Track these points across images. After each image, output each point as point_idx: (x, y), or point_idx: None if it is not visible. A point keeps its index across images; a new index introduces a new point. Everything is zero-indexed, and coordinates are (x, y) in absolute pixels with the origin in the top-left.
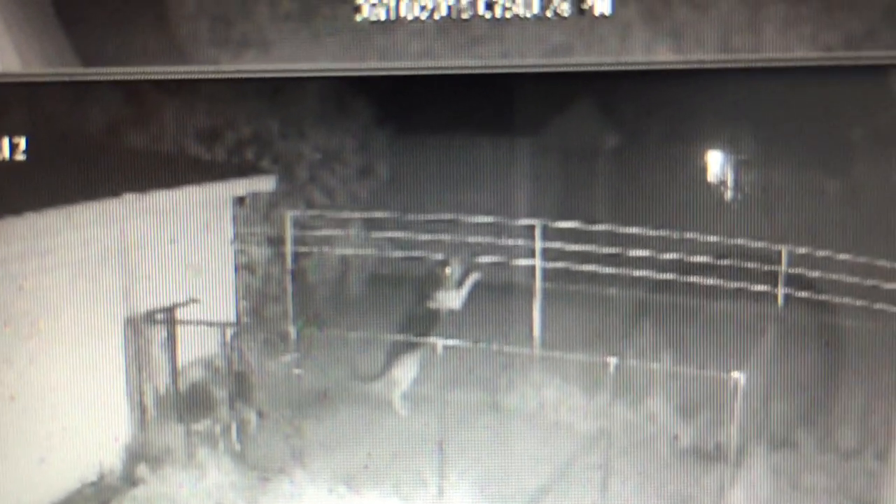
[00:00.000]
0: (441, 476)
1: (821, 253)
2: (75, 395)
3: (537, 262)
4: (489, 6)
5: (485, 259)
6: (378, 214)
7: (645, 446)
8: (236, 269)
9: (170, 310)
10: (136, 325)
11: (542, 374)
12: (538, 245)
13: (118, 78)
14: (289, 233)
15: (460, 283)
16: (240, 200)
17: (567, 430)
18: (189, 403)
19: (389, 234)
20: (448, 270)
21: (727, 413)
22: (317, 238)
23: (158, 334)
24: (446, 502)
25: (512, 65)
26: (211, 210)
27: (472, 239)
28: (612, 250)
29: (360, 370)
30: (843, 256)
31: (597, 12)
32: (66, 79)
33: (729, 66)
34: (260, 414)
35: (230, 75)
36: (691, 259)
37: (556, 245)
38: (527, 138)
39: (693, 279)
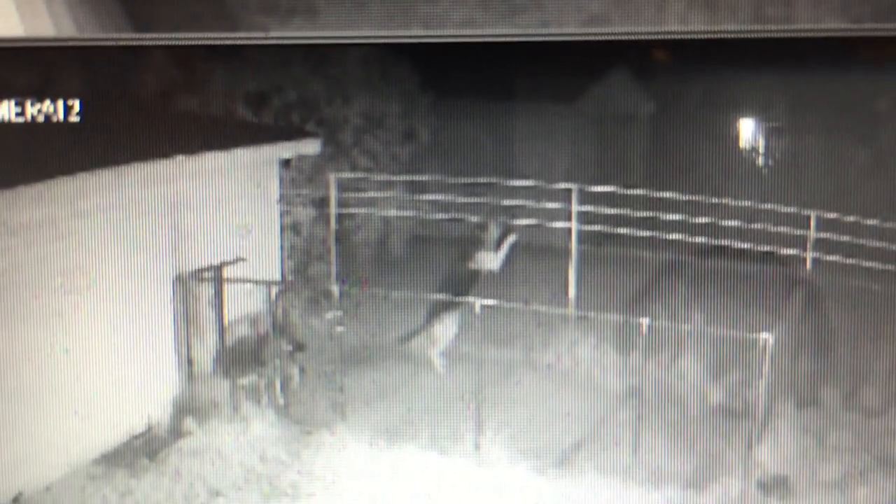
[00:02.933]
0: (477, 431)
1: (849, 218)
2: (125, 350)
3: (573, 225)
4: None
5: (523, 222)
6: (419, 177)
7: (675, 404)
8: (282, 230)
9: (217, 268)
10: (185, 283)
11: (576, 334)
12: (574, 208)
13: (169, 43)
14: (333, 194)
15: (499, 245)
16: (286, 163)
17: (600, 388)
18: (235, 359)
19: (430, 196)
20: (487, 232)
21: (756, 372)
22: (360, 200)
23: (206, 292)
24: (482, 456)
25: (551, 33)
26: (258, 172)
27: (510, 202)
28: (646, 214)
29: (402, 334)
30: (870, 222)
31: None
32: (120, 44)
33: (761, 36)
34: (303, 370)
35: (278, 41)
36: (723, 223)
37: (592, 209)
38: (565, 105)
39: (724, 242)
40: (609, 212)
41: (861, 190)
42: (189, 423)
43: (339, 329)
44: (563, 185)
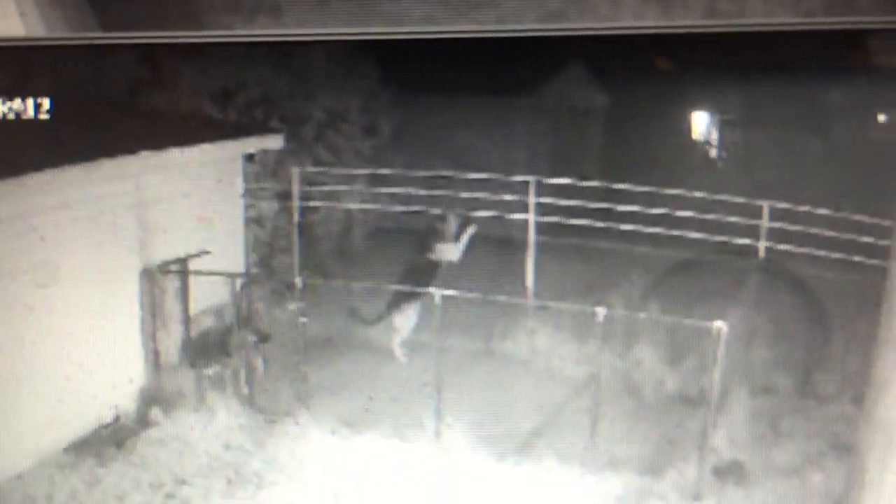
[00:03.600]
0: (438, 419)
1: (801, 208)
2: (93, 341)
3: (531, 217)
4: None
5: (482, 213)
6: (381, 171)
7: (632, 392)
8: (246, 223)
9: (183, 261)
10: (151, 275)
11: (534, 323)
12: (532, 200)
13: (137, 42)
14: (296, 188)
15: (458, 237)
16: (250, 157)
17: (558, 376)
18: (200, 350)
19: (392, 189)
20: (447, 224)
21: (710, 360)
22: (322, 193)
23: (172, 284)
24: (443, 444)
25: (508, 29)
26: (223, 166)
27: (469, 194)
28: (603, 205)
29: (361, 315)
30: (822, 211)
31: None
32: (88, 42)
33: (714, 30)
34: (266, 360)
35: (242, 39)
36: (677, 213)
37: (550, 200)
38: (522, 99)
39: (678, 233)
40: (566, 203)
41: (813, 180)
42: (156, 412)
43: (303, 320)
44: (521, 178)
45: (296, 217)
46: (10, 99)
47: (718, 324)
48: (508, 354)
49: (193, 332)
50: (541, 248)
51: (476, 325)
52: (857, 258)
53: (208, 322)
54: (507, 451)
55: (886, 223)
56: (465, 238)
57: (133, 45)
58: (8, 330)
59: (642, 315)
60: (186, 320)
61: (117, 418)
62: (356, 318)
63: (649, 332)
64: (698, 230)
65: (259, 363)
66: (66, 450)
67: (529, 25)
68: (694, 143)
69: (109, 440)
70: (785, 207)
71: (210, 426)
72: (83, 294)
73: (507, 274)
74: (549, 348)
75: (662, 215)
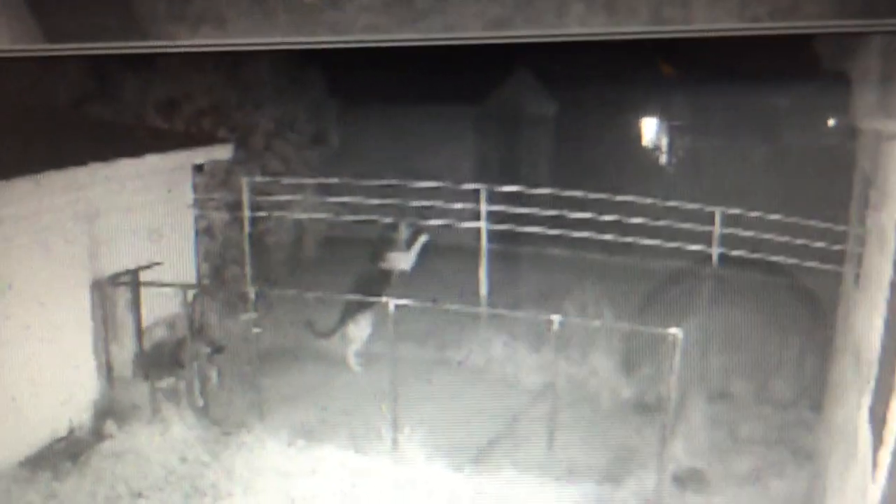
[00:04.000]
0: (395, 429)
1: (753, 214)
2: (45, 355)
3: (483, 225)
4: None
5: (433, 222)
6: (331, 180)
7: (589, 399)
8: (197, 234)
9: (134, 272)
10: (102, 288)
11: (489, 332)
12: (483, 208)
13: (81, 53)
14: (246, 198)
15: (410, 245)
16: (199, 168)
17: (514, 385)
18: (154, 362)
19: (342, 198)
20: (398, 233)
21: (667, 367)
22: (272, 203)
23: (123, 296)
24: (400, 454)
25: (455, 37)
26: (172, 177)
27: (420, 203)
28: (554, 212)
29: (316, 329)
30: (774, 216)
31: None
32: (32, 54)
33: (660, 36)
34: (220, 371)
35: (188, 49)
36: (630, 220)
37: (501, 208)
38: (471, 107)
39: (631, 239)
40: (518, 211)
41: (765, 185)
42: (110, 425)
43: (256, 331)
44: (471, 186)
45: (246, 227)
46: None
47: (674, 330)
48: (463, 363)
49: (146, 344)
50: (493, 257)
51: (430, 335)
52: (810, 263)
53: (161, 334)
54: (465, 461)
55: (840, 228)
56: (416, 247)
57: (79, 57)
58: None
59: (597, 323)
60: (139, 332)
61: (71, 431)
62: (309, 329)
63: (605, 339)
64: (651, 237)
65: (213, 374)
66: (22, 464)
67: (476, 33)
68: (644, 150)
69: (64, 454)
70: (737, 213)
71: (165, 438)
72: (33, 308)
73: (460, 282)
74: (504, 356)
75: (615, 222)
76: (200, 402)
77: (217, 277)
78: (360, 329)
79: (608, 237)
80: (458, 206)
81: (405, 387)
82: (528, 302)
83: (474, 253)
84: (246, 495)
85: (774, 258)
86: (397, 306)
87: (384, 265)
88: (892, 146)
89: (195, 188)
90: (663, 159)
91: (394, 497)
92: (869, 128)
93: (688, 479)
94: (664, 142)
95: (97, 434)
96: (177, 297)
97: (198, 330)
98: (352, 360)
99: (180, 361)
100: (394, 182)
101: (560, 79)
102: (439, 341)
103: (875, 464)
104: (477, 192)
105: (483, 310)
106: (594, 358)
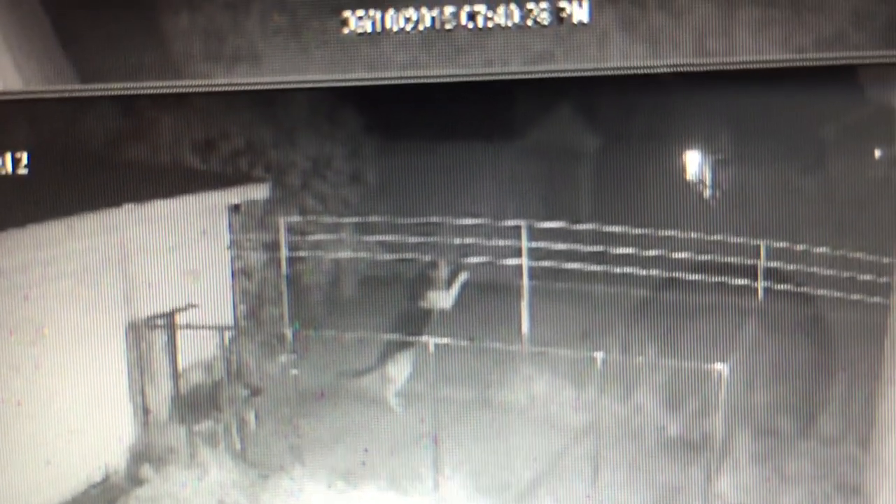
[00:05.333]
0: (436, 470)
1: (798, 247)
2: (80, 399)
3: (524, 262)
4: (471, 17)
5: (473, 259)
6: (369, 219)
7: (633, 437)
8: (233, 275)
9: (170, 315)
10: (138, 330)
11: (531, 370)
12: (525, 245)
13: (115, 93)
14: (283, 238)
15: (450, 284)
16: (235, 208)
17: (557, 424)
18: (190, 405)
19: (380, 237)
20: (438, 271)
21: (712, 403)
22: (310, 243)
23: (159, 339)
24: (441, 495)
25: (495, 72)
26: (208, 218)
27: (460, 240)
28: (597, 248)
29: (356, 370)
30: (820, 250)
31: (575, 20)
32: (66, 95)
33: (703, 69)
34: (258, 414)
35: (223, 88)
36: (673, 255)
37: (542, 244)
38: (511, 142)
39: (675, 275)
40: (559, 247)
41: (809, 218)
42: (146, 470)
43: (294, 372)
44: (512, 222)
45: (284, 267)
46: None
47: (719, 366)
48: (506, 402)
49: (182, 388)
50: (535, 293)
51: (472, 374)
52: (856, 296)
53: (198, 376)
54: (508, 501)
55: (886, 260)
56: (456, 285)
57: (112, 97)
58: None
59: (641, 359)
60: (175, 375)
61: (107, 477)
62: (349, 369)
63: (649, 376)
64: (695, 272)
65: (251, 417)
66: None
67: (516, 68)
68: (688, 184)
69: (99, 500)
70: (782, 247)
71: (202, 483)
72: (69, 351)
73: (501, 320)
74: (546, 395)
75: (658, 257)
76: (238, 445)
77: (254, 318)
78: (400, 369)
79: (652, 272)
80: (500, 242)
81: (447, 427)
82: (570, 339)
83: (516, 290)
84: None
85: (820, 291)
86: (438, 345)
87: (424, 304)
88: None
89: (231, 228)
90: (707, 193)
91: None
92: None
93: None
94: (708, 175)
95: (133, 479)
96: (213, 339)
97: (235, 372)
98: (392, 401)
99: (218, 404)
100: (433, 220)
101: (602, 113)
102: (482, 380)
103: None
104: (518, 228)
105: (525, 348)
106: (638, 395)
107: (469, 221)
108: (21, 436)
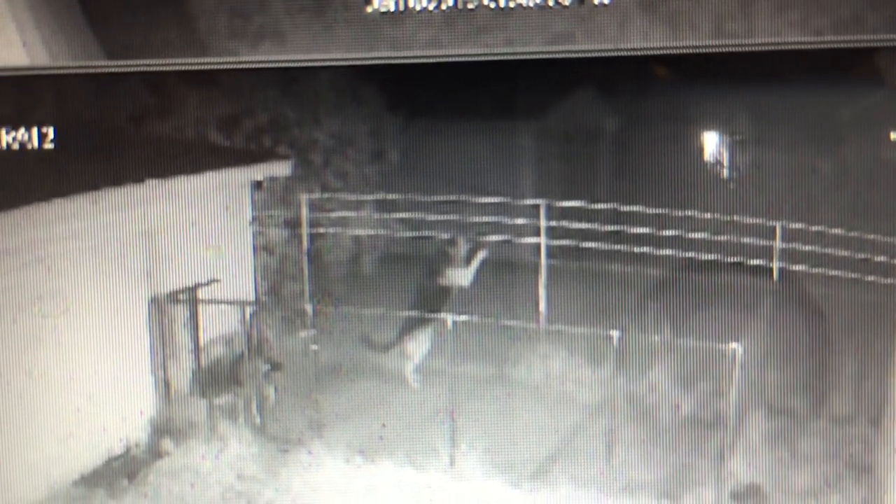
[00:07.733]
0: (452, 446)
1: (814, 228)
2: (102, 373)
3: (542, 240)
4: None
5: (492, 238)
6: (389, 196)
7: (647, 416)
8: (255, 250)
9: (192, 289)
10: (160, 305)
11: (547, 348)
12: (543, 223)
13: (141, 70)
14: (305, 215)
15: (469, 261)
16: (258, 184)
17: (572, 401)
18: (211, 379)
19: (400, 215)
20: (457, 249)
21: (726, 382)
22: (331, 219)
23: (181, 313)
24: (458, 471)
25: (516, 52)
26: (230, 194)
27: (479, 218)
28: (614, 228)
29: (374, 345)
30: (835, 231)
31: (596, 1)
32: (92, 71)
33: (722, 50)
34: (278, 388)
35: (247, 66)
36: (690, 235)
37: (561, 223)
38: (531, 122)
39: (691, 254)
40: (577, 226)
41: (825, 200)
42: (167, 443)
43: (314, 347)
44: (531, 201)
45: (305, 244)
46: (15, 129)
47: (733, 345)
48: (522, 379)
49: (204, 362)
50: (552, 272)
51: (489, 351)
52: (871, 278)
53: (219, 351)
54: (523, 478)
55: None
56: (475, 263)
57: (137, 73)
58: (16, 362)
59: (657, 338)
60: (196, 350)
61: (128, 450)
62: (368, 345)
63: (664, 355)
64: (712, 252)
65: (271, 392)
66: (77, 483)
67: (537, 48)
68: (705, 164)
69: (120, 472)
70: (798, 228)
71: (222, 456)
72: (92, 325)
73: (519, 298)
74: (562, 373)
75: (675, 237)
76: (258, 420)
77: (275, 294)
78: (418, 345)
79: (668, 252)
80: (518, 221)
81: (464, 403)
82: (587, 318)
83: (534, 268)
84: None
85: (835, 272)
86: (456, 322)
87: (443, 281)
88: None
89: (254, 205)
90: (725, 174)
91: None
92: None
93: (746, 496)
94: (725, 156)
95: (154, 452)
96: (235, 314)
97: (256, 347)
98: (410, 377)
99: (238, 379)
100: (452, 198)
101: (621, 92)
102: (499, 357)
103: None
104: (537, 207)
105: (542, 326)
106: (653, 373)
107: (488, 200)
108: (43, 408)
